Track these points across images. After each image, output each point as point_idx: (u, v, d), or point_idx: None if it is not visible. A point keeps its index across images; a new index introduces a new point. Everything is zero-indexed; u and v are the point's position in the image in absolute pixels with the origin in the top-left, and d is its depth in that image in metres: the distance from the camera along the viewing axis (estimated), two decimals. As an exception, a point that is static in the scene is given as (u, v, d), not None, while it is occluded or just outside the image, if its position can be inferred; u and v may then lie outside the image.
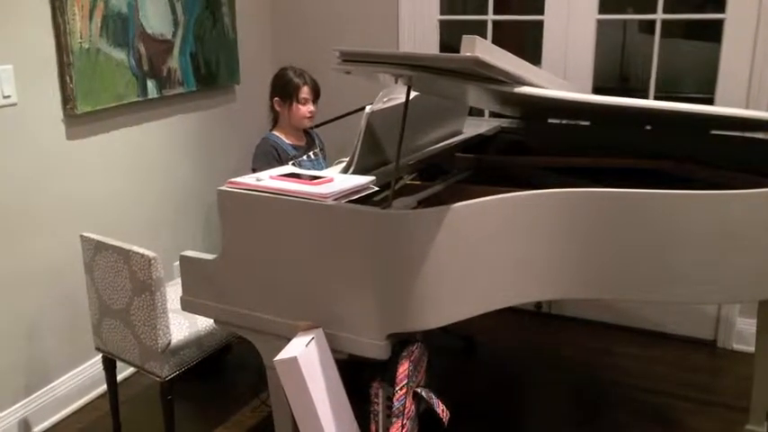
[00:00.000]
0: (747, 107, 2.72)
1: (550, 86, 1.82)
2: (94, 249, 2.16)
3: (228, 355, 2.86)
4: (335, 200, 1.69)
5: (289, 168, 2.02)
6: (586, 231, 1.67)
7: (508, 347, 3.05)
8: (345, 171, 1.93)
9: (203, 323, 2.23)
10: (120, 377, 2.64)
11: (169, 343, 2.10)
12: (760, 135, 2.26)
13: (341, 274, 1.68)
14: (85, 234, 2.20)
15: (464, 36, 1.47)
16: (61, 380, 2.55)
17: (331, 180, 1.79)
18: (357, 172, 1.92)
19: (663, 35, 2.86)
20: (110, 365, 2.32)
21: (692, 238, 1.71)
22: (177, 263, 2.01)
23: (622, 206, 1.68)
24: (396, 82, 1.66)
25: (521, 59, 1.76)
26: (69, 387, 2.57)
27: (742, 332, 2.94)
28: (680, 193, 1.68)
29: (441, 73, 1.57)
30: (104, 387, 2.43)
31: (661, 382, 2.73)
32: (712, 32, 2.85)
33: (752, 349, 2.84)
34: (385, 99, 1.97)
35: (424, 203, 1.90)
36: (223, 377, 2.83)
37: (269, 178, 1.85)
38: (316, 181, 1.78)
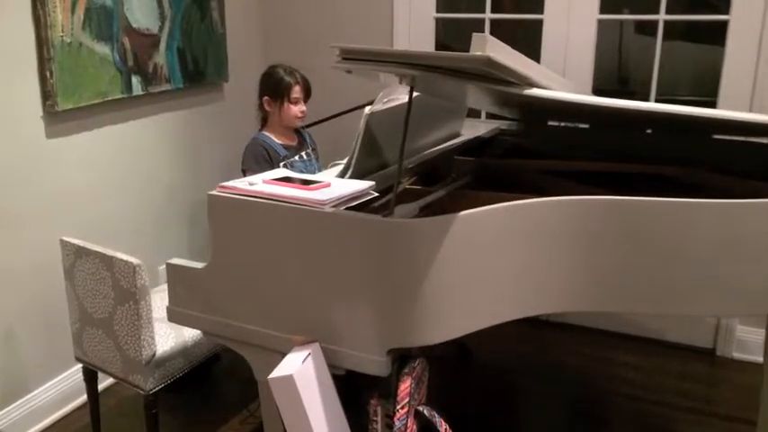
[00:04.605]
0: (751, 111, 2.66)
1: (556, 86, 1.74)
2: (75, 255, 2.05)
3: (217, 364, 2.76)
4: (334, 206, 1.59)
5: (283, 172, 1.91)
6: (597, 240, 1.59)
7: (505, 355, 2.97)
8: (343, 175, 1.84)
9: (190, 333, 2.12)
10: (101, 386, 2.52)
11: (154, 354, 2.00)
12: (764, 140, 2.20)
13: (339, 285, 1.59)
14: (65, 239, 2.08)
15: (474, 34, 1.38)
16: (39, 390, 2.44)
17: (328, 185, 1.70)
18: (354, 176, 1.83)
19: (663, 37, 2.79)
20: (91, 377, 2.21)
21: (702, 248, 1.63)
22: (163, 267, 1.91)
23: (635, 214, 1.60)
24: (400, 82, 1.56)
25: (527, 58, 1.67)
26: (48, 397, 2.46)
27: (742, 341, 2.88)
28: (692, 202, 1.60)
29: (447, 73, 1.48)
30: (85, 397, 2.31)
31: (659, 391, 2.67)
32: (714, 35, 2.79)
33: (752, 358, 2.81)
34: (385, 100, 1.87)
35: (426, 210, 1.81)
36: (211, 387, 2.73)
37: (262, 183, 1.75)
38: (312, 186, 1.68)
